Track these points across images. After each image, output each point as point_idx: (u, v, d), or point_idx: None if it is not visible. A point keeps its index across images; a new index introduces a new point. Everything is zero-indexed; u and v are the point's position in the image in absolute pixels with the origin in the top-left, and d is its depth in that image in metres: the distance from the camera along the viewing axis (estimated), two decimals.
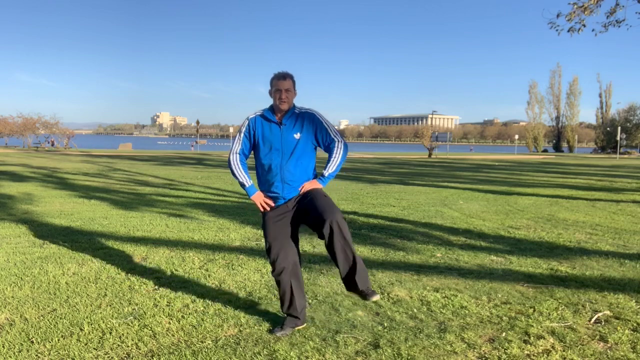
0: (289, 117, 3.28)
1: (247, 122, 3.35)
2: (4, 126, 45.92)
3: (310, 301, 3.99)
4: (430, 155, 44.19)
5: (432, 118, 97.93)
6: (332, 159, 3.32)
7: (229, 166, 3.40)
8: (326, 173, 3.30)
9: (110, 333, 3.35)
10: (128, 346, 3.17)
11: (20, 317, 3.61)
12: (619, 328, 3.52)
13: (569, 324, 3.61)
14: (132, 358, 3.02)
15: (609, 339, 3.32)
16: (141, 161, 26.55)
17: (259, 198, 3.34)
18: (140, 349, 3.13)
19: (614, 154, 64.06)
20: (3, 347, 3.12)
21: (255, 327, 3.48)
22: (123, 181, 14.37)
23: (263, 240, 4.52)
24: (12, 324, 3.47)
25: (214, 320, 3.59)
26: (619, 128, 55.49)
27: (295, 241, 3.43)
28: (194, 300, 4.00)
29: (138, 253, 5.55)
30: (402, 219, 8.19)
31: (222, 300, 4.01)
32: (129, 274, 4.69)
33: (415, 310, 3.86)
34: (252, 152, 3.44)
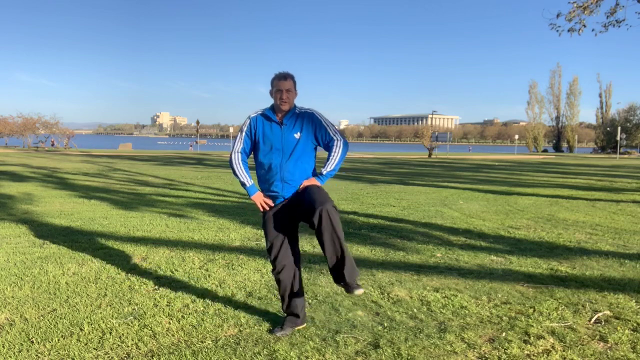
0: (289, 117, 3.29)
1: (248, 121, 3.36)
2: (4, 126, 45.93)
3: (310, 301, 3.99)
4: (430, 155, 44.20)
5: (432, 118, 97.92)
6: (331, 157, 3.32)
7: (231, 165, 3.41)
8: (324, 171, 3.30)
9: (110, 333, 3.35)
10: (128, 346, 3.17)
11: (20, 317, 3.61)
12: (619, 328, 3.52)
13: (569, 324, 3.61)
14: (132, 358, 3.02)
15: (609, 339, 3.32)
16: (141, 161, 26.55)
17: (259, 198, 3.35)
18: (140, 349, 3.13)
19: (614, 154, 64.07)
20: (3, 347, 3.12)
21: (255, 327, 3.48)
22: (123, 181, 14.37)
23: (263, 240, 4.52)
24: (12, 324, 3.47)
25: (214, 320, 3.59)
26: (619, 128, 55.51)
27: (295, 240, 3.44)
28: (194, 300, 4.00)
29: (138, 253, 5.55)
30: (402, 219, 8.19)
31: (222, 300, 4.01)
32: (129, 274, 4.69)
33: (415, 310, 3.86)
34: (252, 151, 3.44)
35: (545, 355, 3.09)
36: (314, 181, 3.29)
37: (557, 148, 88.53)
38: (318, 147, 3.43)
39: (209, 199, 10.61)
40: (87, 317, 3.61)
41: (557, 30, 12.28)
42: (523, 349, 3.18)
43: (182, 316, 3.67)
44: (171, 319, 3.61)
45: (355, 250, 5.83)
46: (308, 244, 5.92)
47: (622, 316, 3.75)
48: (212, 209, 9.00)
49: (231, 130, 54.85)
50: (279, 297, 3.54)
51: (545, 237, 6.81)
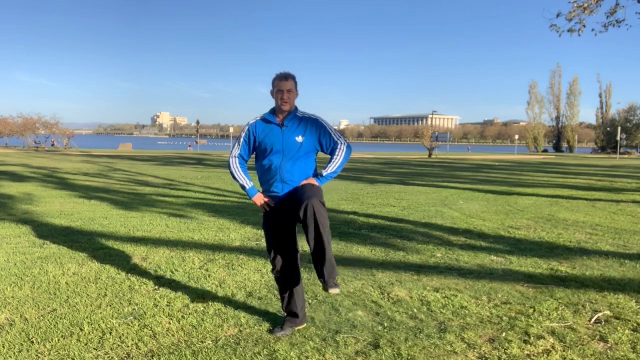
0: (291, 119, 3.29)
1: (247, 128, 3.38)
2: (4, 126, 45.91)
3: (310, 301, 3.99)
4: (430, 155, 44.21)
5: (432, 118, 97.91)
6: (333, 160, 3.33)
7: (229, 169, 3.43)
8: (325, 172, 3.31)
9: (110, 333, 3.35)
10: (128, 346, 3.17)
11: (20, 317, 3.61)
12: (619, 328, 3.52)
13: (569, 324, 3.61)
14: (132, 358, 3.02)
15: (609, 339, 3.32)
16: (141, 161, 26.56)
17: (259, 199, 3.36)
18: (140, 349, 3.13)
19: (614, 154, 64.08)
20: (3, 347, 3.12)
21: (255, 327, 3.49)
22: (123, 181, 14.37)
23: (263, 240, 4.52)
24: (12, 324, 3.47)
25: (214, 320, 3.60)
26: (619, 128, 55.51)
27: (295, 240, 3.44)
28: (194, 300, 4.00)
29: (138, 253, 5.55)
30: (402, 219, 8.19)
31: (222, 300, 4.01)
32: (129, 274, 4.69)
33: (415, 310, 3.87)
34: (254, 153, 3.45)
35: (545, 355, 3.09)
36: (312, 181, 3.30)
37: (557, 148, 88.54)
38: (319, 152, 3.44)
39: (209, 199, 10.61)
40: (87, 317, 3.61)
41: (557, 31, 12.29)
42: (523, 349, 3.18)
43: (182, 316, 3.67)
44: (171, 319, 3.61)
45: (355, 250, 5.83)
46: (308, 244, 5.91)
47: (622, 316, 3.75)
48: (212, 209, 9.00)
49: (231, 130, 54.84)
50: (279, 296, 3.55)
51: (545, 237, 6.81)
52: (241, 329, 3.46)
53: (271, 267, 3.48)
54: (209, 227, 7.13)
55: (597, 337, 3.38)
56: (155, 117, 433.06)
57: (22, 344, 3.16)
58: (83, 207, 9.04)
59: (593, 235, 7.00)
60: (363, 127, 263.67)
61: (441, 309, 3.89)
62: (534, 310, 3.86)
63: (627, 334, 3.42)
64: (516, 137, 69.55)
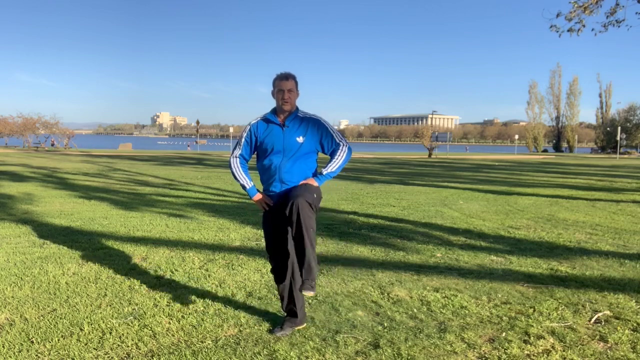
0: (292, 119, 3.30)
1: (248, 128, 3.39)
2: (4, 126, 45.90)
3: (310, 301, 3.99)
4: (430, 155, 44.21)
5: (432, 118, 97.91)
6: (334, 160, 3.33)
7: (230, 169, 3.45)
8: (325, 171, 3.31)
9: (110, 333, 3.35)
10: (128, 346, 3.17)
11: (20, 317, 3.61)
12: (619, 328, 3.52)
13: (569, 324, 3.61)
14: (132, 358, 3.02)
15: (609, 339, 3.32)
16: (141, 161, 26.56)
17: (259, 198, 3.36)
18: (140, 349, 3.13)
19: (613, 154, 64.08)
20: (3, 347, 3.12)
21: (255, 327, 3.49)
22: (123, 181, 14.37)
23: (263, 240, 4.52)
24: (12, 324, 3.47)
25: (214, 320, 3.60)
26: (619, 128, 55.51)
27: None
28: (194, 300, 4.00)
29: (138, 253, 5.55)
30: (402, 219, 8.19)
31: (222, 300, 4.01)
32: (129, 274, 4.69)
33: (415, 310, 3.87)
34: (256, 153, 3.46)
35: (545, 355, 3.09)
36: (311, 181, 3.30)
37: (557, 148, 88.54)
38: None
39: (209, 199, 10.61)
40: (87, 317, 3.61)
41: (557, 31, 12.29)
42: (523, 349, 3.18)
43: (182, 316, 3.67)
44: (171, 319, 3.61)
45: (355, 250, 5.83)
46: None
47: (622, 316, 3.75)
48: (212, 209, 9.00)
49: (231, 130, 54.86)
50: (279, 295, 3.55)
51: (545, 237, 6.81)
52: (241, 329, 3.46)
53: (271, 266, 3.49)
54: (209, 227, 7.13)
55: (597, 337, 3.38)
56: (155, 117, 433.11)
57: (22, 344, 3.16)
58: (83, 207, 9.04)
59: (593, 235, 7.00)
60: (363, 127, 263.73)
61: (441, 309, 3.89)
62: (534, 310, 3.86)
63: (627, 334, 3.42)
64: (516, 137, 69.57)
